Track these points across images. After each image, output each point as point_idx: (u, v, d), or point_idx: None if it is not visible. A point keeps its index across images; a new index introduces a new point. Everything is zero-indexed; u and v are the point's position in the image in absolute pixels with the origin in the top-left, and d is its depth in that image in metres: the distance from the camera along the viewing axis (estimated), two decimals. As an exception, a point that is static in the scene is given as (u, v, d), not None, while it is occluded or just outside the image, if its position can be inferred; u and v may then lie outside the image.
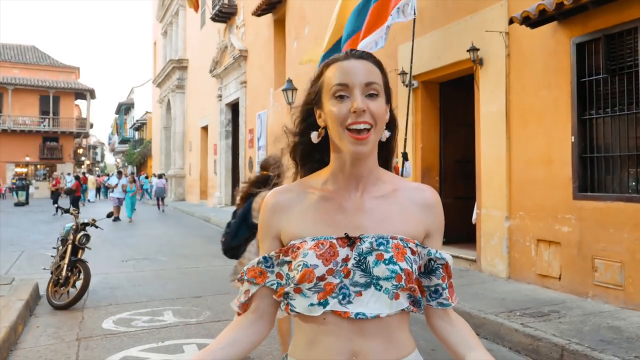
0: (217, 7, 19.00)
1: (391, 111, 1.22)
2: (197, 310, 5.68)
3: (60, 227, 13.10)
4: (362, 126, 1.10)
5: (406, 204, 1.19)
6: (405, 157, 6.87)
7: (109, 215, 7.01)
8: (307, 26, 12.97)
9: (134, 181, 17.82)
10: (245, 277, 1.21)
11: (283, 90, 12.23)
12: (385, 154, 1.26)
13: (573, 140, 5.73)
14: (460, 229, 8.22)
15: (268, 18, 15.60)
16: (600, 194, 5.52)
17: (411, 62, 6.91)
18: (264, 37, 16.14)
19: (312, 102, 1.20)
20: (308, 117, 1.22)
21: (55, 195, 22.16)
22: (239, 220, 3.94)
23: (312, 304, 1.10)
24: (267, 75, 15.86)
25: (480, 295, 5.74)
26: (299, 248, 1.13)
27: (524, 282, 6.34)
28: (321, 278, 1.09)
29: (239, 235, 3.91)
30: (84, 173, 32.92)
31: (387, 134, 1.20)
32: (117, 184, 17.19)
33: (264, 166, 4.06)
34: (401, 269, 1.09)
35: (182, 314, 5.56)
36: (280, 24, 15.13)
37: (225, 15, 19.27)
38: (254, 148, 16.82)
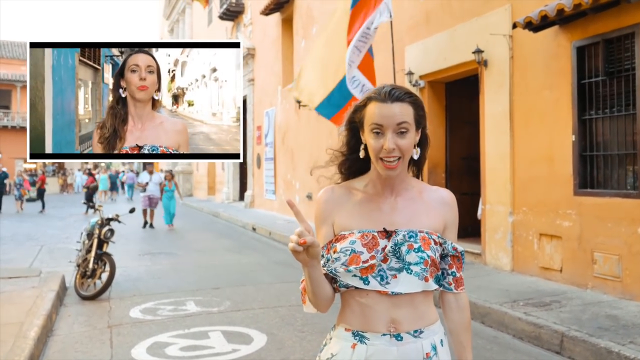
0: (224, 6, 19.26)
1: (424, 131, 1.52)
2: (217, 301, 6.01)
3: (74, 222, 13.39)
4: (391, 159, 1.41)
5: (429, 203, 1.53)
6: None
7: (132, 211, 7.30)
8: (315, 26, 13.21)
9: (172, 178, 14.13)
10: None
11: (291, 89, 12.53)
12: (418, 165, 1.58)
13: (574, 139, 6.01)
14: (466, 224, 8.48)
15: (276, 17, 15.85)
16: (599, 191, 5.81)
17: (393, 64, 7.27)
18: (272, 36, 16.39)
19: (357, 123, 1.51)
20: (353, 135, 1.53)
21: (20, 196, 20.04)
22: None
23: (355, 276, 1.43)
24: (275, 73, 16.12)
25: (486, 286, 6.03)
26: (346, 237, 1.45)
27: (527, 274, 6.63)
28: (365, 262, 1.42)
29: None
30: (89, 170, 33.07)
31: (417, 152, 1.49)
32: (147, 183, 13.88)
33: None
34: (427, 256, 1.44)
35: (203, 303, 5.89)
36: (288, 23, 15.37)
37: (232, 14, 19.54)
38: (262, 145, 17.13)
